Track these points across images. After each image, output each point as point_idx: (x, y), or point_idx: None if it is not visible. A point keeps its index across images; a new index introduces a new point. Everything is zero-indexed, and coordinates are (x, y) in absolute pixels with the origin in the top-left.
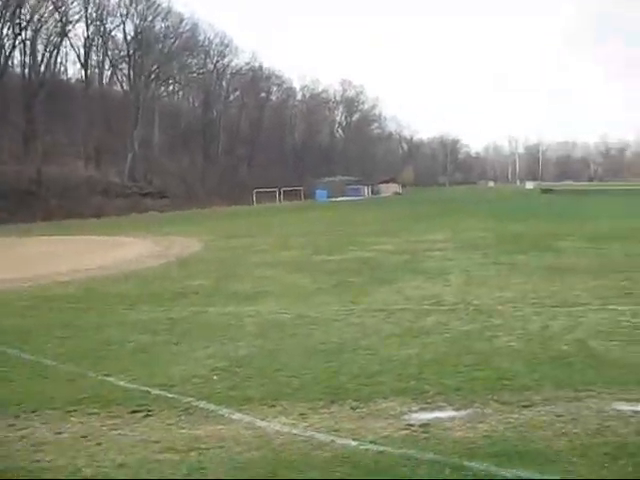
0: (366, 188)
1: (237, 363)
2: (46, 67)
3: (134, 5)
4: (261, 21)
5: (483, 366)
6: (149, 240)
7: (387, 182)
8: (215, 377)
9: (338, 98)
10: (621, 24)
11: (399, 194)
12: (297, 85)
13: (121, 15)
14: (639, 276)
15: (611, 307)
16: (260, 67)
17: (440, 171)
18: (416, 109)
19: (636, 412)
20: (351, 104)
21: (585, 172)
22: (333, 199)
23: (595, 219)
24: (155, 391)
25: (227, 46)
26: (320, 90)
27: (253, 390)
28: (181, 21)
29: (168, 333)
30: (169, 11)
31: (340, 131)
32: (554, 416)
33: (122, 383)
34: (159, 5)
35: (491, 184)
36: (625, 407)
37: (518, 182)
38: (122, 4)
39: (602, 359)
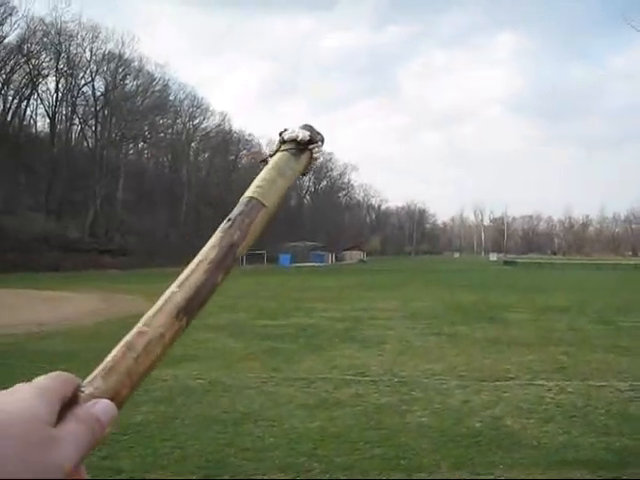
0: (330, 255)
1: (126, 430)
2: (12, 118)
3: (105, 62)
4: (232, 83)
5: (385, 443)
6: (95, 297)
7: (352, 249)
8: None
9: None
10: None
11: (363, 262)
12: (267, 149)
13: (91, 72)
14: (577, 351)
15: (539, 382)
16: (230, 130)
17: (407, 240)
18: (386, 177)
19: None
20: (320, 171)
21: (549, 246)
22: (296, 264)
23: (549, 292)
24: None
25: (198, 107)
26: None
27: (128, 460)
28: (152, 80)
29: None
30: (140, 70)
31: (308, 197)
32: None
33: None
34: (131, 63)
35: (456, 255)
36: None
37: (483, 253)
38: (93, 60)
39: (513, 438)
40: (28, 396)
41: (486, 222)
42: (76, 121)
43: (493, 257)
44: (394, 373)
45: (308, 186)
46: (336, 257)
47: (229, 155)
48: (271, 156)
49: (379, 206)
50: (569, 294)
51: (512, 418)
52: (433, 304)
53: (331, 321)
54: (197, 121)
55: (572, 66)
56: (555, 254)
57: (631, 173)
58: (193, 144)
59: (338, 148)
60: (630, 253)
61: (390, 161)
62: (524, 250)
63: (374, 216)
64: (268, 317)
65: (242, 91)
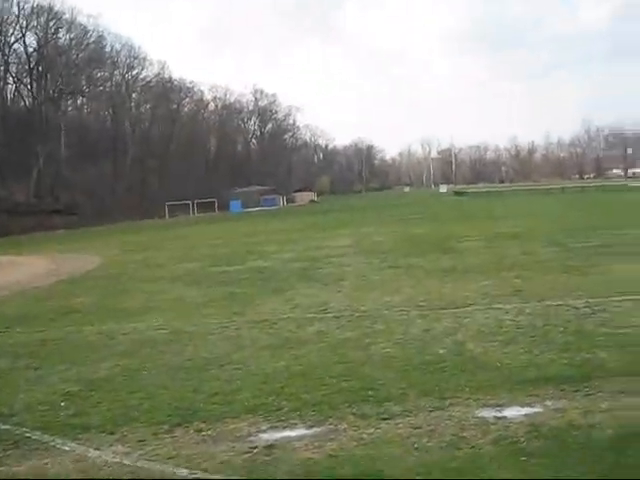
0: (281, 197)
1: (92, 386)
2: None
3: (35, 16)
4: (168, 31)
5: (351, 376)
6: (46, 258)
7: (302, 191)
8: (62, 403)
9: (251, 108)
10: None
11: (315, 202)
12: (209, 96)
13: (21, 27)
14: (531, 274)
15: (497, 306)
16: (170, 79)
17: (356, 178)
18: (331, 117)
19: (499, 418)
20: (264, 114)
21: (497, 174)
22: (248, 210)
23: (500, 219)
24: None
25: (135, 57)
26: (232, 100)
27: (98, 416)
28: (85, 33)
29: (32, 356)
30: (72, 22)
31: (254, 141)
32: (411, 429)
33: None
34: (62, 16)
35: (406, 189)
36: (489, 413)
37: (433, 186)
38: (22, 15)
39: (477, 362)
40: None
41: (434, 154)
42: (10, 80)
43: (443, 189)
44: (354, 308)
45: (254, 130)
46: (287, 199)
47: (171, 104)
48: None
49: (326, 146)
50: (519, 220)
51: (474, 342)
52: (387, 239)
53: (287, 262)
54: (136, 71)
55: None
56: (503, 182)
57: (572, 98)
58: (134, 95)
59: (281, 90)
60: (577, 176)
61: (335, 100)
62: (473, 180)
63: (322, 156)
64: (224, 263)
65: (180, 38)
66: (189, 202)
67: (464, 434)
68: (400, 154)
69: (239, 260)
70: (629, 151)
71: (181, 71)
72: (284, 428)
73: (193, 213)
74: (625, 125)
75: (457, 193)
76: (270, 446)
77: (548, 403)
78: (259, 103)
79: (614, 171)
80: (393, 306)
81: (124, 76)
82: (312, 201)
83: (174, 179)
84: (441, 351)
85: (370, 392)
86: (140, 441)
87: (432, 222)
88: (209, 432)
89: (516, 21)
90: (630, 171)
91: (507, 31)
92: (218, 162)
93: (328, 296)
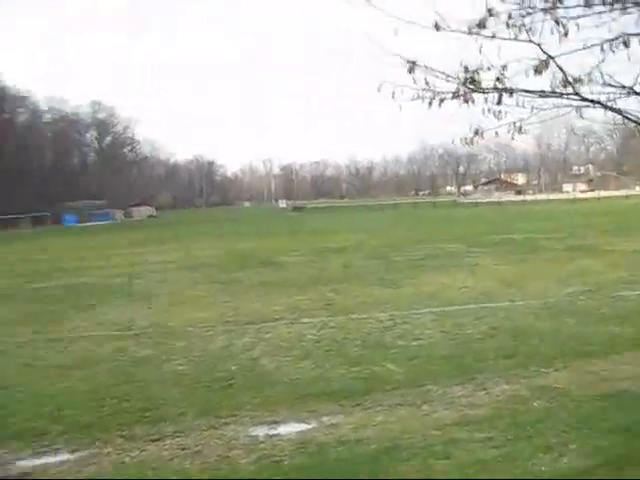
0: (118, 212)
1: None
2: None
3: None
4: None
5: (135, 396)
6: None
7: (139, 205)
8: None
9: (89, 120)
10: None
11: (154, 217)
12: (45, 106)
13: None
14: (346, 286)
15: (304, 320)
16: (3, 87)
17: (197, 193)
18: (173, 131)
19: (271, 436)
20: (102, 126)
21: (337, 191)
22: (84, 224)
23: (330, 234)
24: None
25: None
26: (69, 111)
27: None
28: None
29: None
30: None
31: (92, 154)
32: (178, 450)
33: None
34: None
35: (247, 204)
36: (261, 431)
37: (273, 201)
38: None
39: (267, 378)
40: None
41: (276, 171)
42: None
43: (282, 204)
44: (160, 325)
45: (92, 142)
46: (125, 214)
47: (3, 114)
48: None
49: (168, 160)
50: (349, 235)
51: (269, 357)
52: (214, 253)
53: (106, 278)
54: None
55: None
56: (343, 198)
57: (408, 119)
58: None
59: (119, 102)
60: (413, 192)
61: (176, 114)
62: (314, 196)
63: (163, 170)
64: (39, 280)
65: (15, 45)
66: (22, 216)
67: (229, 454)
68: (242, 170)
69: (56, 276)
70: (461, 169)
71: (16, 79)
72: (46, 454)
73: (33, 228)
74: (458, 144)
75: (296, 208)
76: (24, 474)
77: (324, 419)
78: (97, 115)
79: (447, 188)
80: (200, 322)
81: None
82: (151, 216)
83: (6, 192)
84: (233, 367)
85: (148, 413)
86: None
87: (263, 237)
88: None
89: None
90: (462, 188)
91: None
92: (54, 175)
93: (136, 313)
